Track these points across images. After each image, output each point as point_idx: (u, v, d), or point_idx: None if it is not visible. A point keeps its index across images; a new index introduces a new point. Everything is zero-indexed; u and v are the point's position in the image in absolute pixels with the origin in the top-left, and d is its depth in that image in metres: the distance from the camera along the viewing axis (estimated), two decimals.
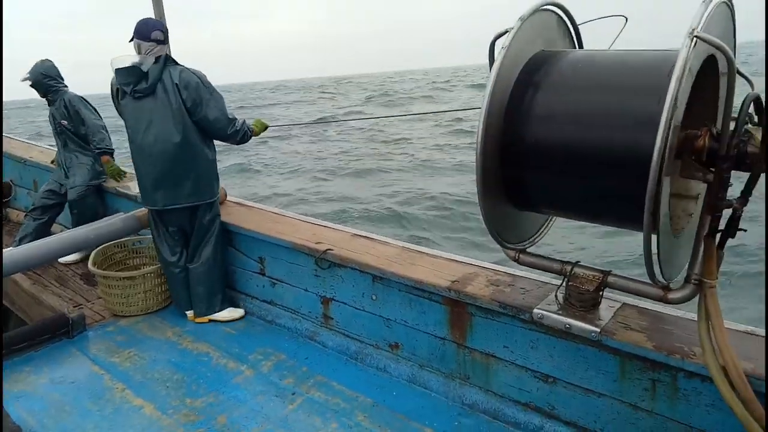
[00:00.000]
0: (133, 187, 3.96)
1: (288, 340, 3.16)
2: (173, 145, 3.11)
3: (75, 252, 3.83)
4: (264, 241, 3.26)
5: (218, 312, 3.40)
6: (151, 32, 3.08)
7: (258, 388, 2.73)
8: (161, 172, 3.16)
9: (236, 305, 3.50)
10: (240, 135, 3.28)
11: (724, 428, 1.83)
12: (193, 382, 2.81)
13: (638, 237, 1.56)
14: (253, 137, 3.43)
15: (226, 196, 3.71)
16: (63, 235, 3.57)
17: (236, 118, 3.28)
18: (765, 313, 1.64)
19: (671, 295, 1.81)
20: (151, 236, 3.52)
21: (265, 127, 3.60)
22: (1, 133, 4.88)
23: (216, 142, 3.34)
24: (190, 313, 3.43)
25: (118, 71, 3.11)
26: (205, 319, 3.39)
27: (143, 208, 3.58)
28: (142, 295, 3.50)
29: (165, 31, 3.16)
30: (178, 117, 3.09)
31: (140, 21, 3.13)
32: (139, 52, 3.10)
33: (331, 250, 2.89)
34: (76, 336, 3.28)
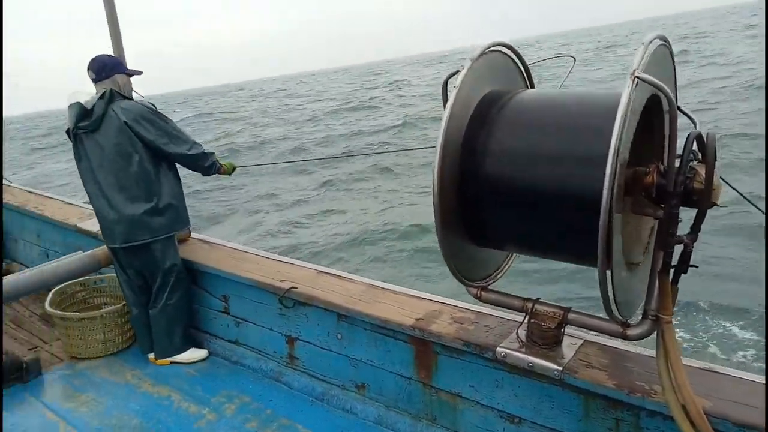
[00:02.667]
0: (92, 225, 3.87)
1: (252, 382, 3.06)
2: (124, 180, 3.05)
3: (32, 293, 3.68)
4: (228, 279, 3.19)
5: (180, 353, 3.29)
6: (87, 72, 3.11)
7: None
8: (116, 210, 3.07)
9: (199, 345, 3.40)
10: (209, 162, 3.24)
11: None
12: (152, 428, 2.70)
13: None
14: (219, 173, 3.38)
15: (189, 234, 3.64)
16: (20, 276, 3.45)
17: (200, 145, 3.25)
18: (765, 320, 1.64)
19: (630, 332, 1.80)
20: (113, 274, 3.43)
21: (234, 168, 3.56)
22: (1, 142, 4.73)
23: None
24: (151, 356, 3.32)
25: (67, 108, 3.09)
26: (167, 361, 3.27)
27: (104, 246, 3.50)
28: (102, 336, 3.38)
29: (100, 68, 3.09)
30: (126, 152, 3.03)
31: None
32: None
33: (296, 288, 2.84)
34: (30, 381, 3.14)
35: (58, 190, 17.91)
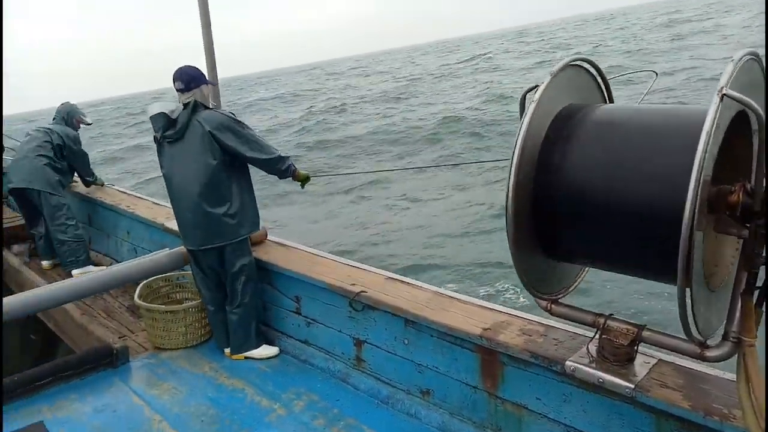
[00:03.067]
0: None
1: (321, 381, 3.17)
2: (201, 187, 3.22)
3: (121, 286, 3.99)
4: (301, 280, 3.32)
5: (253, 350, 3.46)
6: (174, 82, 3.28)
7: (290, 428, 2.75)
8: (193, 214, 3.27)
9: (271, 343, 3.55)
10: (285, 165, 3.42)
11: None
12: (227, 418, 2.86)
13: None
14: (293, 178, 3.57)
15: (266, 235, 3.82)
16: (112, 269, 3.74)
17: (277, 150, 3.42)
18: (765, 321, 1.59)
19: (708, 353, 1.75)
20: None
21: (308, 179, 3.72)
22: (1, 139, 5.09)
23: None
24: (227, 350, 3.51)
25: (150, 118, 3.30)
26: (241, 356, 3.45)
27: None
28: (183, 329, 3.60)
29: (189, 79, 3.25)
30: (206, 160, 3.21)
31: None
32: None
33: (365, 292, 2.93)
34: (119, 366, 3.39)
35: (147, 166, 19.20)
